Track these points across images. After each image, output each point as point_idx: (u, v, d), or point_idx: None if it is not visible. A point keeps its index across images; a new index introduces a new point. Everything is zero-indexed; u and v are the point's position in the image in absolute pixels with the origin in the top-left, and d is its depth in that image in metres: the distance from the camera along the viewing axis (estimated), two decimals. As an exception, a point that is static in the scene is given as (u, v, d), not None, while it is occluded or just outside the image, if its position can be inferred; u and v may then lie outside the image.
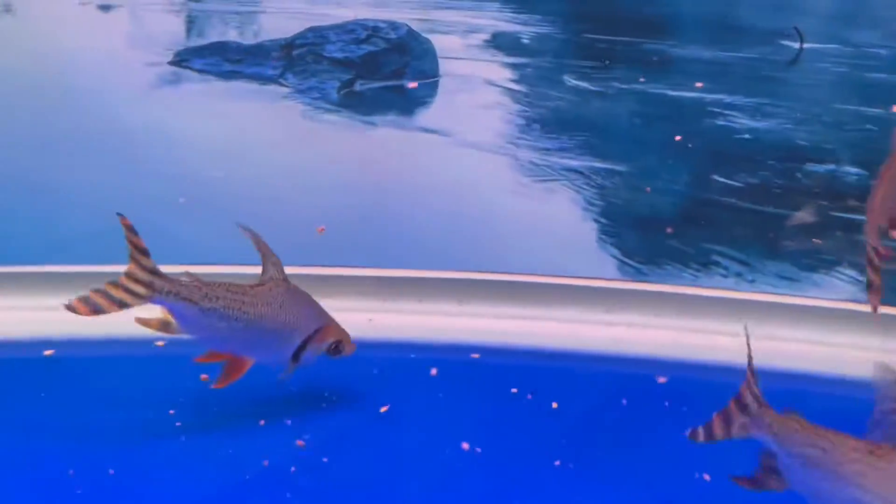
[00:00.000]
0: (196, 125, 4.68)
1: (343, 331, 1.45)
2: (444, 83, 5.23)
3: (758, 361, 1.62)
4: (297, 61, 5.55)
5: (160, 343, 1.46)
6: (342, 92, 5.09)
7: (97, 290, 1.18)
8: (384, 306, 1.87)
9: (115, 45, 6.40)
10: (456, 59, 5.47)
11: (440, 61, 5.38)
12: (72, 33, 6.82)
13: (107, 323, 1.37)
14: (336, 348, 1.39)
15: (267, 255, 1.36)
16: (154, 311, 1.27)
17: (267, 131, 4.59)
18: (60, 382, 1.40)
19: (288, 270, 1.45)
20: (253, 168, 4.01)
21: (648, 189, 3.65)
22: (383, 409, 1.45)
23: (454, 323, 2.12)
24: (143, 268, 1.25)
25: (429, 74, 5.32)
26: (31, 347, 1.48)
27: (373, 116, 4.77)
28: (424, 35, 5.68)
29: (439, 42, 5.58)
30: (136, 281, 1.23)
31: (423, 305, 2.14)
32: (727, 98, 4.48)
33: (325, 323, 1.40)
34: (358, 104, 4.96)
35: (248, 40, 6.14)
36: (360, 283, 1.91)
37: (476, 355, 1.78)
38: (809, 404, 1.17)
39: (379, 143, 4.45)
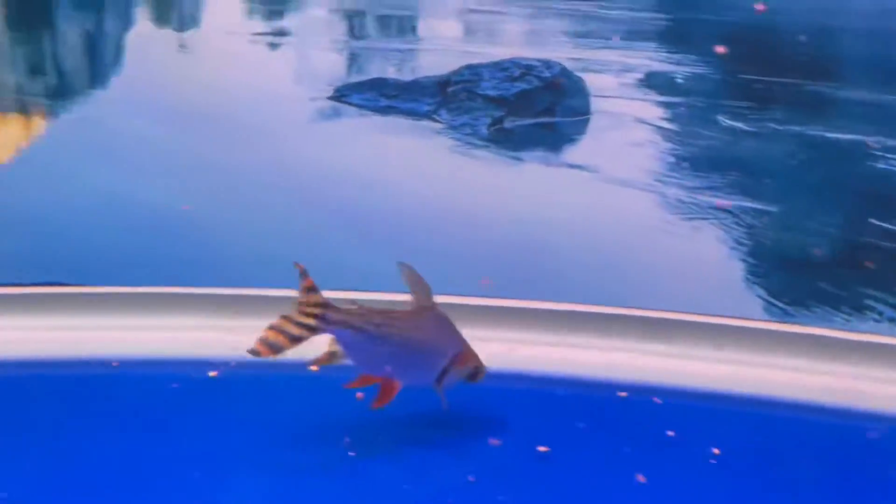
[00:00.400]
0: (352, 158, 4.96)
1: (477, 356, 1.50)
2: (594, 121, 5.36)
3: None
4: (451, 98, 5.84)
5: (314, 368, 1.52)
6: (492, 128, 5.32)
7: (272, 328, 1.31)
8: (525, 337, 1.84)
9: (280, 80, 6.88)
10: (608, 97, 5.60)
11: (592, 99, 5.53)
12: (241, 69, 7.36)
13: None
14: (475, 373, 1.46)
15: (418, 282, 1.46)
16: (318, 347, 1.38)
17: (419, 165, 4.82)
18: (227, 405, 1.42)
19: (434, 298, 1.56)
20: (403, 200, 4.24)
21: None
22: (542, 449, 1.41)
23: (598, 358, 2.16)
24: (315, 303, 1.40)
25: (579, 112, 5.47)
26: (196, 367, 1.56)
27: (521, 152, 4.95)
28: (577, 74, 5.85)
29: (592, 80, 5.73)
30: (308, 315, 1.36)
31: (565, 338, 2.21)
32: (890, 141, 4.40)
33: (464, 348, 1.49)
34: (507, 140, 5.16)
35: (406, 77, 6.48)
36: (502, 314, 1.95)
37: (623, 394, 1.76)
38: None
39: (526, 178, 4.61)
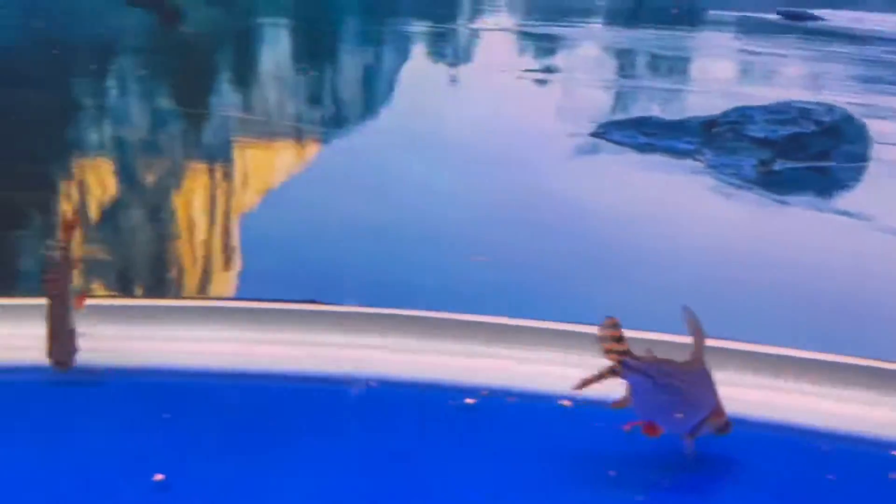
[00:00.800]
0: (607, 194, 5.00)
1: (724, 411, 1.60)
2: (873, 167, 5.06)
3: None
4: (715, 138, 5.73)
5: (566, 402, 1.61)
6: (760, 169, 5.16)
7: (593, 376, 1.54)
8: (765, 383, 1.83)
9: (544, 116, 7.08)
10: (892, 144, 5.26)
11: (872, 146, 5.22)
12: (507, 105, 7.64)
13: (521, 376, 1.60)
14: (725, 427, 1.55)
15: (698, 331, 1.59)
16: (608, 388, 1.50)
17: (673, 202, 4.78)
18: (486, 434, 1.48)
19: (684, 339, 1.58)
20: (660, 239, 4.22)
21: None
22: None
23: (862, 412, 2.04)
24: (620, 352, 1.59)
25: (858, 158, 5.18)
26: (453, 393, 1.60)
27: (788, 196, 4.77)
28: (861, 119, 5.55)
29: (876, 126, 5.41)
30: (612, 357, 1.58)
31: (830, 390, 2.12)
32: None
33: (717, 403, 1.58)
34: (774, 183, 4.99)
35: (670, 116, 6.45)
36: (751, 359, 1.88)
37: None
38: None
39: (790, 222, 4.45)
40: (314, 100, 8.29)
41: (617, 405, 1.51)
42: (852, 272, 3.68)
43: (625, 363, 1.49)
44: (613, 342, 1.51)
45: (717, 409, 1.55)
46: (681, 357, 1.56)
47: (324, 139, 6.76)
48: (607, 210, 4.61)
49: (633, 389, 1.51)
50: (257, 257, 4.03)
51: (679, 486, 1.47)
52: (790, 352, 2.17)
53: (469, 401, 1.53)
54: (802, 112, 5.75)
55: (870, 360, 2.20)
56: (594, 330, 1.83)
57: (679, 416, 1.56)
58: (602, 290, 3.53)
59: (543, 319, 1.95)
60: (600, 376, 1.50)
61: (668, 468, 1.49)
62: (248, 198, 5.04)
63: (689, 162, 5.50)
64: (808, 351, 2.26)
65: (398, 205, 4.61)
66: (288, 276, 3.66)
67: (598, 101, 7.66)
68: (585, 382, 1.51)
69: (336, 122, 7.53)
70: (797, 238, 4.16)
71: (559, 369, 1.79)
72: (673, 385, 1.54)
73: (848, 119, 5.66)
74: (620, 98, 8.01)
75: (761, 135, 5.54)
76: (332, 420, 1.41)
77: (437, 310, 1.79)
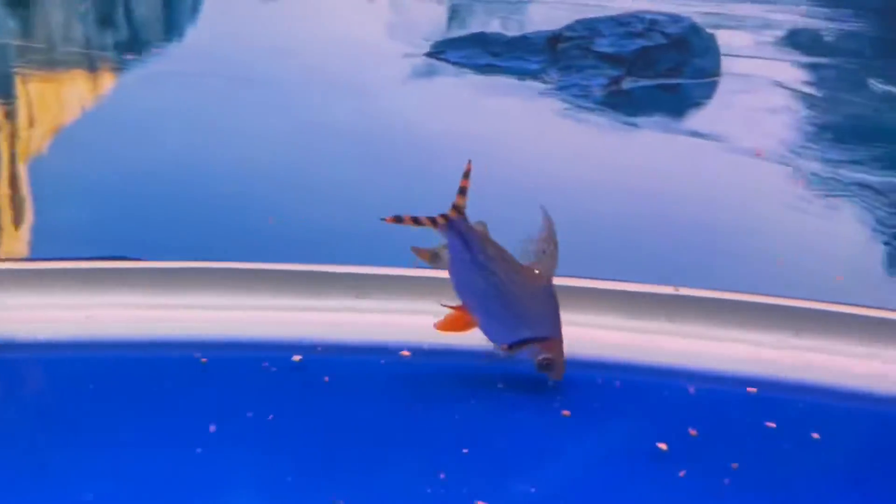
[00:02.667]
0: (445, 120, 5.10)
1: (562, 353, 1.61)
2: (724, 83, 5.38)
3: None
4: (562, 55, 5.93)
5: (405, 353, 1.65)
6: (607, 90, 5.40)
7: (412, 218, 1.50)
8: (631, 325, 1.89)
9: (374, 34, 7.09)
10: (742, 57, 5.61)
11: (723, 59, 5.55)
12: (334, 21, 7.60)
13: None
14: (546, 366, 1.59)
15: (549, 248, 1.59)
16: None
17: (519, 129, 4.93)
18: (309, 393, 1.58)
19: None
20: (502, 167, 4.36)
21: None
22: (662, 447, 1.51)
23: (715, 348, 2.19)
24: (454, 205, 1.57)
25: (708, 73, 5.50)
26: (280, 352, 1.65)
27: (638, 117, 5.02)
28: (709, 30, 5.86)
29: (725, 38, 5.74)
30: (441, 215, 1.56)
31: (675, 326, 2.25)
32: None
33: (555, 335, 1.60)
34: (623, 103, 5.24)
35: (512, 32, 6.60)
36: (605, 297, 1.98)
37: (753, 389, 1.81)
38: None
39: (641, 146, 4.69)
40: (106, 21, 7.98)
41: (421, 256, 1.50)
42: (706, 199, 3.93)
43: (450, 220, 1.46)
44: (458, 193, 1.49)
45: (550, 343, 1.59)
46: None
47: (120, 68, 6.55)
48: (448, 140, 4.71)
49: (451, 258, 1.51)
50: (52, 209, 3.92)
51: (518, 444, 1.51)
52: (644, 287, 2.33)
53: (296, 358, 1.50)
54: (650, 23, 6.02)
55: (717, 292, 2.39)
56: (437, 274, 1.90)
57: (497, 318, 1.57)
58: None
59: (381, 265, 2.02)
60: (417, 220, 1.47)
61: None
62: (36, 140, 4.86)
63: (535, 83, 5.67)
64: (666, 286, 2.43)
65: (213, 144, 4.55)
66: (90, 229, 3.60)
67: (432, 17, 7.73)
68: (398, 220, 1.47)
69: (133, 48, 7.30)
70: (648, 163, 4.39)
71: (402, 318, 1.86)
72: (493, 275, 1.54)
73: (695, 30, 5.97)
74: (457, 12, 8.11)
75: (609, 50, 5.78)
76: (147, 392, 1.47)
77: (262, 261, 1.88)
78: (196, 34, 7.88)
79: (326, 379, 1.56)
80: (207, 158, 4.35)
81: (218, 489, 1.22)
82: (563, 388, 1.76)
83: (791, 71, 5.22)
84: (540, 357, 1.64)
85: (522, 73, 5.84)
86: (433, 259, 1.60)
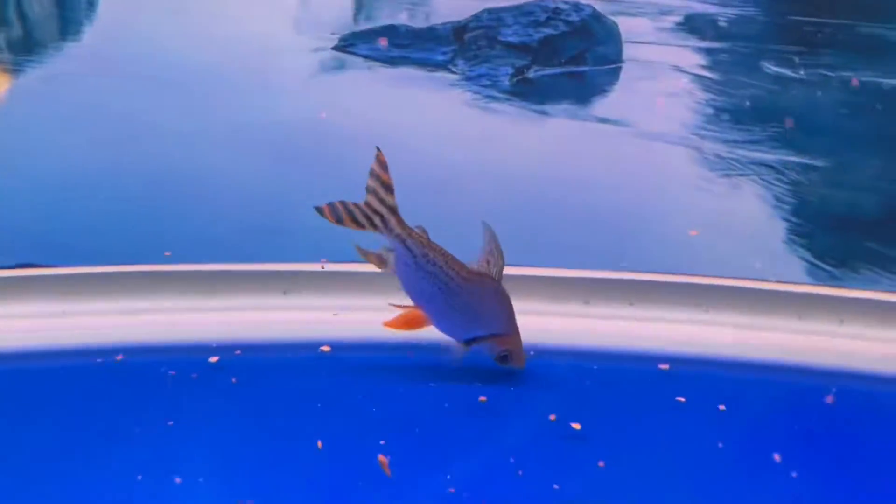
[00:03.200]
0: (355, 114, 5.18)
1: (520, 344, 1.75)
2: (627, 70, 5.63)
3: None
4: (469, 46, 6.12)
5: (325, 348, 1.71)
6: (515, 79, 5.60)
7: (343, 203, 1.60)
8: (549, 308, 1.90)
9: (280, 30, 7.15)
10: (643, 43, 5.86)
11: (625, 45, 5.80)
12: (238, 17, 7.60)
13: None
14: (504, 358, 1.73)
15: (493, 248, 1.71)
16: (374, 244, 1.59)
17: (430, 120, 5.08)
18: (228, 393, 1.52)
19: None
20: (416, 159, 4.50)
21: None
22: (576, 426, 1.62)
23: (629, 329, 2.30)
24: (384, 203, 1.66)
25: (611, 60, 5.75)
26: (198, 356, 1.61)
27: (546, 105, 5.24)
28: (611, 17, 6.11)
29: (626, 25, 5.99)
30: (376, 213, 1.64)
31: (591, 308, 2.36)
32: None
33: (508, 331, 1.75)
34: (530, 92, 5.44)
35: (419, 23, 6.74)
36: (524, 283, 1.90)
37: (665, 366, 1.93)
38: None
39: (551, 133, 4.90)
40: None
41: (369, 259, 1.60)
42: (616, 183, 4.15)
43: (386, 223, 1.57)
44: (381, 188, 1.56)
45: (505, 339, 1.74)
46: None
47: (12, 68, 6.49)
48: (360, 133, 4.80)
49: (396, 262, 1.62)
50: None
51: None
52: (559, 272, 2.46)
53: (213, 359, 1.58)
54: (553, 12, 6.24)
55: (641, 273, 2.55)
56: (356, 268, 1.98)
57: (448, 317, 1.70)
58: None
59: (292, 262, 2.11)
60: (357, 222, 1.54)
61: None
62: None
63: (443, 74, 5.84)
64: (580, 270, 2.59)
65: (117, 145, 4.55)
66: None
67: (338, 10, 7.82)
68: (338, 221, 1.54)
69: (26, 48, 7.22)
70: (559, 150, 4.60)
71: (318, 315, 1.94)
72: (440, 278, 1.67)
73: (597, 17, 6.21)
74: (363, 5, 8.22)
75: (515, 40, 5.98)
76: (57, 398, 1.45)
77: (176, 262, 1.85)
78: (93, 33, 7.82)
79: (234, 380, 1.64)
80: (111, 160, 4.36)
81: (119, 492, 1.29)
82: (481, 374, 1.90)
83: (689, 56, 5.49)
84: (497, 352, 1.81)
85: (431, 65, 6.00)
86: (380, 263, 1.74)
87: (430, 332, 1.76)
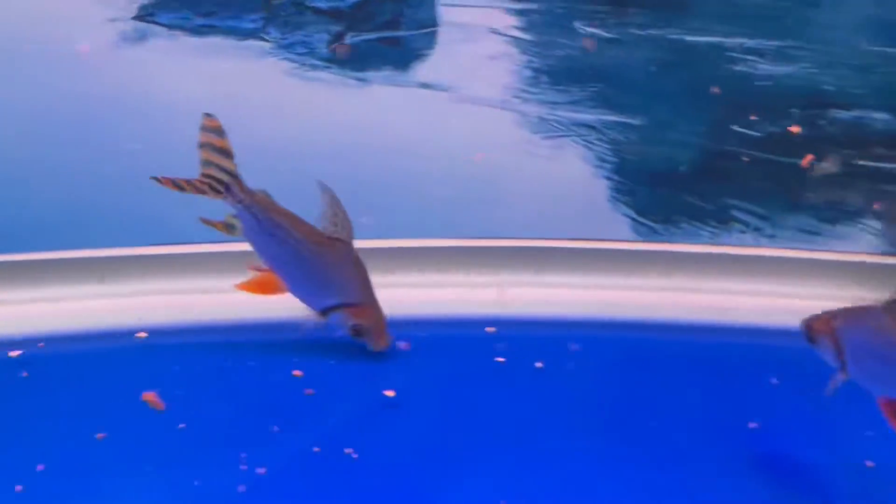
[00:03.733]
0: (164, 87, 5.08)
1: (380, 322, 1.78)
2: (443, 33, 5.71)
3: (779, 319, 2.03)
4: (278, 12, 6.06)
5: (142, 334, 1.70)
6: (332, 46, 5.60)
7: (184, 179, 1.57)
8: (385, 280, 2.00)
9: (73, 1, 6.85)
10: (457, 6, 5.94)
11: (439, 9, 5.88)
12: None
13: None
14: (357, 331, 1.77)
15: (336, 210, 1.73)
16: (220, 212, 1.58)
17: (248, 92, 5.03)
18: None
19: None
20: (236, 131, 4.46)
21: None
22: (389, 394, 1.76)
23: (463, 295, 2.41)
24: (224, 169, 1.65)
25: (426, 24, 5.82)
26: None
27: (366, 72, 5.27)
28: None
29: (437, -13, 6.05)
30: (217, 180, 1.63)
31: (427, 277, 2.45)
32: (747, 42, 4.97)
33: (366, 303, 1.78)
34: (349, 59, 5.45)
35: (223, -11, 6.60)
36: (360, 255, 1.97)
37: (492, 329, 2.07)
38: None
39: (374, 101, 4.94)
40: None
41: (215, 226, 1.62)
42: (444, 150, 4.25)
43: (230, 189, 1.59)
44: (216, 153, 1.58)
45: (361, 311, 1.79)
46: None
47: None
48: (171, 107, 4.70)
49: (244, 227, 1.65)
50: None
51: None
52: (388, 243, 2.53)
53: (13, 354, 1.60)
54: (363, -25, 6.25)
55: (471, 240, 2.64)
56: (183, 250, 1.97)
57: (302, 283, 1.71)
58: (190, 204, 3.68)
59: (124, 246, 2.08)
60: (197, 188, 1.56)
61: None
62: None
63: (255, 42, 5.77)
64: (414, 239, 2.67)
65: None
66: None
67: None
68: (179, 188, 1.55)
69: None
70: (384, 118, 4.65)
71: (142, 300, 1.96)
72: (287, 241, 1.69)
73: (408, -21, 6.26)
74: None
75: (324, 5, 5.97)
76: None
77: None
78: None
79: (25, 374, 1.63)
80: None
81: None
82: (297, 349, 1.95)
83: (505, 18, 5.62)
84: (350, 324, 1.84)
85: (240, 33, 5.92)
86: (228, 230, 1.75)
87: (246, 311, 1.74)
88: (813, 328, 1.56)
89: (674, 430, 1.69)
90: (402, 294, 2.10)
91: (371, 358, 1.70)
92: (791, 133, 3.89)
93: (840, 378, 1.57)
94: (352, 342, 1.76)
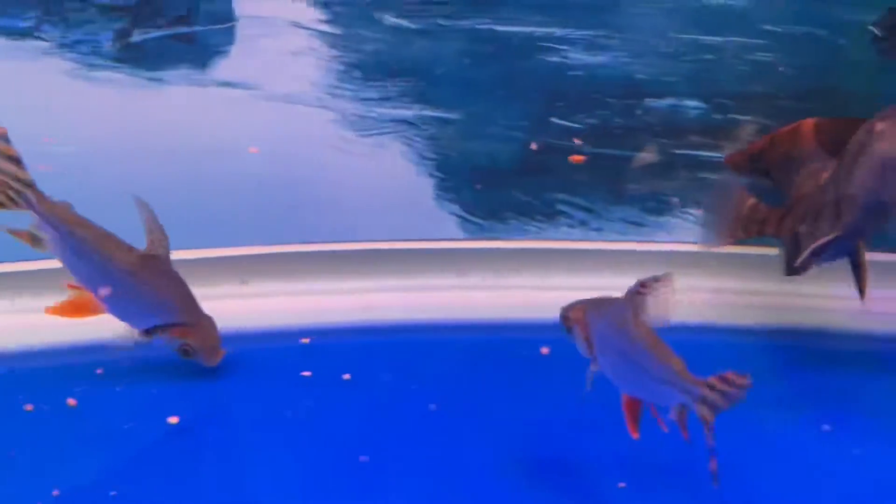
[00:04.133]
0: None
1: (207, 339, 1.68)
2: (242, 27, 5.51)
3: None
4: (55, 9, 5.68)
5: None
6: (118, 44, 5.28)
7: None
8: (202, 292, 1.94)
9: None
10: (253, -2, 5.74)
11: (235, 1, 5.66)
12: None
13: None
14: (186, 351, 1.68)
15: (152, 225, 1.63)
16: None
17: (26, 96, 4.71)
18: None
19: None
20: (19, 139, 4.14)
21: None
22: (173, 420, 1.64)
23: (279, 304, 2.34)
24: (17, 178, 1.48)
25: (223, 18, 5.58)
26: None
27: (160, 72, 5.00)
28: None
29: (227, -23, 5.82)
30: (10, 188, 1.46)
31: (245, 288, 2.36)
32: (558, 31, 5.02)
33: (191, 321, 1.67)
34: (140, 58, 5.17)
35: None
36: (174, 266, 1.93)
37: (306, 340, 2.04)
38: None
39: (172, 102, 4.70)
40: None
41: (19, 237, 1.52)
42: (256, 152, 4.07)
43: (27, 199, 1.47)
44: (5, 161, 1.45)
45: (183, 330, 1.68)
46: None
47: None
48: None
49: (50, 239, 1.53)
50: None
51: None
52: (203, 252, 2.42)
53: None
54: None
55: (284, 246, 2.55)
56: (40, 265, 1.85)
57: (121, 303, 1.62)
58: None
59: None
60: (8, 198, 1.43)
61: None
62: None
63: (31, 42, 5.39)
64: (229, 248, 2.55)
65: None
66: None
67: None
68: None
69: None
70: (184, 120, 4.43)
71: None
72: (93, 256, 1.58)
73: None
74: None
75: (107, 0, 5.63)
76: None
77: None
78: None
79: None
80: None
81: None
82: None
83: (305, 10, 5.47)
84: (177, 344, 1.73)
85: (14, 32, 5.52)
86: (34, 242, 1.60)
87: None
88: (568, 317, 1.58)
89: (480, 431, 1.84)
90: (212, 305, 2.01)
91: (165, 379, 1.63)
92: (573, 162, 3.92)
93: (593, 370, 1.59)
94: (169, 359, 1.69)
